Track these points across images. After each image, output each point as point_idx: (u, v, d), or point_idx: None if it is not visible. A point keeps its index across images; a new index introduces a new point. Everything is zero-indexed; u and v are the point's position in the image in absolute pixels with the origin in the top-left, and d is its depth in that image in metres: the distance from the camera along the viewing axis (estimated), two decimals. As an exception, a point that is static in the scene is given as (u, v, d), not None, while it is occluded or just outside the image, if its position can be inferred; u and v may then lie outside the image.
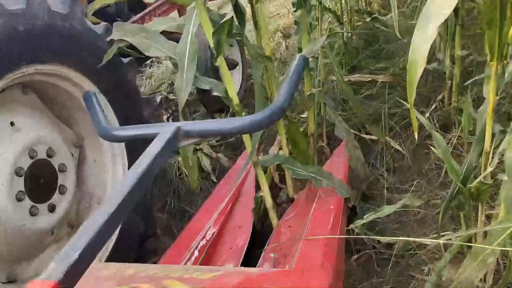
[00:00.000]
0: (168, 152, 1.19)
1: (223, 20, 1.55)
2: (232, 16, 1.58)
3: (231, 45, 3.73)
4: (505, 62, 1.39)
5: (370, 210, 2.49)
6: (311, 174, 1.93)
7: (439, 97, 2.96)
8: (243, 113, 1.77)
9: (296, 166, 1.91)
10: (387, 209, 1.88)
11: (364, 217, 1.87)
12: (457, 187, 1.75)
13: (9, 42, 1.48)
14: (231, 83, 1.70)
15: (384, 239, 2.07)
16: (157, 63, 4.89)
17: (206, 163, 3.01)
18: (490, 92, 1.43)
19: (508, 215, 1.36)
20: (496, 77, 1.39)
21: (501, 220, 1.39)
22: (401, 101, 2.74)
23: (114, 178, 2.08)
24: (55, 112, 1.94)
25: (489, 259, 1.31)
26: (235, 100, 1.73)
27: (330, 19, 4.24)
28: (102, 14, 3.16)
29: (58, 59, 1.67)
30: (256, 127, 1.23)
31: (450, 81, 2.90)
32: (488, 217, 1.87)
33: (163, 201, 2.71)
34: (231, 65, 3.66)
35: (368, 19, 3.76)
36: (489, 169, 1.60)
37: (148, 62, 4.55)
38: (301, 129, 2.68)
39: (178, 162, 2.93)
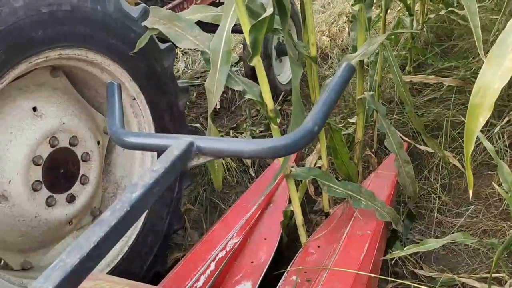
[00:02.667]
0: (174, 171, 1.05)
1: (262, 17, 1.36)
2: (273, 12, 1.38)
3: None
4: None
5: (416, 231, 2.27)
6: (349, 193, 1.72)
7: (514, 109, 2.60)
8: (278, 120, 1.59)
9: (332, 182, 1.71)
10: (433, 244, 1.65)
11: (405, 249, 1.66)
12: (520, 231, 1.48)
13: (30, 25, 1.38)
14: (267, 86, 1.52)
15: (426, 273, 1.84)
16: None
17: (246, 155, 2.86)
18: None
19: None
20: None
21: None
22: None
23: (141, 168, 1.99)
24: (87, 96, 1.86)
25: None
26: (270, 106, 1.55)
27: (399, 7, 3.88)
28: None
29: (85, 44, 1.56)
30: (276, 154, 1.05)
31: (529, 93, 2.53)
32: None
33: (196, 192, 2.61)
34: (285, 52, 3.45)
35: (443, 12, 3.37)
36: None
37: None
38: (348, 133, 2.47)
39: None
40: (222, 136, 3.11)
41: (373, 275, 1.57)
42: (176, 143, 1.09)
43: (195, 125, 3.25)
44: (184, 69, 4.59)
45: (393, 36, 3.61)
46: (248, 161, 2.83)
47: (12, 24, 1.34)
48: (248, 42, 1.43)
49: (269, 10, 1.36)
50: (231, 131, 3.12)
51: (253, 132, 3.13)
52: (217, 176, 1.76)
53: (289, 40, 1.59)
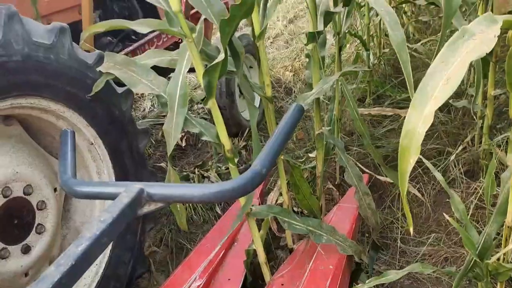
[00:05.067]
0: (124, 219, 1.04)
1: (214, 62, 1.40)
2: (226, 57, 1.41)
3: (251, 67, 3.58)
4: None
5: (381, 262, 2.29)
6: (310, 229, 1.74)
7: (468, 137, 2.70)
8: (236, 159, 1.61)
9: (292, 219, 1.72)
10: (394, 276, 1.66)
11: (366, 282, 1.67)
12: (473, 260, 1.52)
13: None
14: (222, 127, 1.54)
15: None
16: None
17: (212, 192, 2.85)
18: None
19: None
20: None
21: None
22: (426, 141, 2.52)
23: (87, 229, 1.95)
24: (43, 143, 1.84)
25: None
26: (227, 146, 1.56)
27: (357, 42, 4.03)
28: (117, 32, 3.08)
29: (38, 92, 1.56)
30: (224, 197, 1.07)
31: (481, 121, 2.64)
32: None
33: (161, 233, 2.58)
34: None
35: (397, 45, 3.52)
36: (510, 246, 1.38)
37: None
38: (311, 167, 2.51)
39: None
40: (187, 174, 3.10)
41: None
42: (126, 191, 1.10)
43: (160, 164, 3.24)
44: (150, 107, 4.60)
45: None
46: (214, 199, 2.82)
47: (-39, 76, 1.33)
48: (202, 85, 1.46)
49: (221, 56, 1.39)
50: (196, 169, 3.12)
51: (219, 169, 3.13)
52: (180, 217, 1.75)
53: (245, 82, 1.63)
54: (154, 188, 1.10)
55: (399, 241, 2.30)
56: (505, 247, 1.41)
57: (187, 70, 1.57)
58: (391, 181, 2.56)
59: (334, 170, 2.78)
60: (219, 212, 2.77)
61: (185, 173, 3.10)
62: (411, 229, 1.01)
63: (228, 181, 1.06)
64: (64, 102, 1.66)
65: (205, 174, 3.11)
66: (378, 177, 2.56)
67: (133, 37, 3.18)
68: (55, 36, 1.59)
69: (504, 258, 1.49)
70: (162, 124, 3.99)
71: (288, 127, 1.26)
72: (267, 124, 1.87)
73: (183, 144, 3.62)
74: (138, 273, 2.10)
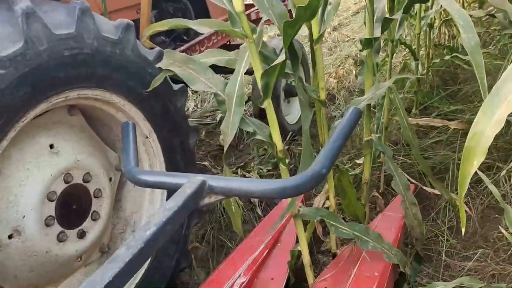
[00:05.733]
0: (187, 209, 1.08)
1: (274, 63, 1.43)
2: (286, 59, 1.44)
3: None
4: None
5: (423, 274, 2.25)
6: (356, 234, 1.74)
7: (521, 153, 2.62)
8: (287, 160, 1.63)
9: (339, 223, 1.73)
10: (442, 287, 1.64)
11: (412, 293, 1.65)
12: (528, 277, 1.48)
13: (53, 66, 1.45)
14: (276, 128, 1.57)
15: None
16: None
17: (253, 193, 2.88)
18: None
19: None
20: None
21: None
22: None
23: (151, 205, 2.02)
24: (101, 134, 1.92)
25: None
26: (279, 147, 1.59)
27: (405, 52, 3.98)
28: (169, 32, 3.18)
29: (102, 85, 1.63)
30: (286, 194, 1.08)
31: (535, 137, 2.56)
32: None
33: (203, 230, 2.62)
34: (293, 93, 3.53)
35: (447, 56, 3.47)
36: None
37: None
38: (355, 174, 2.49)
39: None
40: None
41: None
42: (189, 182, 1.13)
43: (203, 163, 3.30)
44: (194, 107, 4.69)
45: (399, 80, 3.69)
46: (255, 200, 2.85)
47: (36, 66, 1.41)
48: (259, 86, 1.49)
49: (281, 57, 1.42)
50: (239, 170, 3.16)
51: (260, 171, 3.16)
52: (235, 219, 1.79)
53: (300, 85, 1.65)
54: (215, 181, 1.12)
55: (443, 254, 2.26)
56: None
57: (245, 70, 1.60)
58: (437, 193, 2.52)
59: (378, 179, 2.75)
60: (260, 213, 2.80)
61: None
62: (463, 229, 1.00)
63: (290, 178, 1.08)
64: (125, 95, 1.73)
65: (247, 175, 3.14)
66: (425, 188, 2.52)
67: (184, 37, 3.27)
68: (121, 32, 1.66)
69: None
70: (205, 124, 4.07)
71: (346, 130, 1.27)
72: (318, 128, 1.88)
73: (226, 145, 3.67)
74: (181, 267, 2.14)
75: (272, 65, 1.42)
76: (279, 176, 1.78)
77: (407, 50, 3.74)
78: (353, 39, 6.02)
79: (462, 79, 3.71)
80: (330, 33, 6.63)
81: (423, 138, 3.12)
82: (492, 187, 1.67)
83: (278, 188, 1.06)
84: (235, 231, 2.66)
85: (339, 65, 4.99)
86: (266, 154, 3.40)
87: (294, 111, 3.72)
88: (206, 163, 3.28)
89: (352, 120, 1.34)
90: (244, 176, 3.08)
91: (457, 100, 3.46)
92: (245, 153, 3.63)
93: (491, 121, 0.85)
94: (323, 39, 5.44)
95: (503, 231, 1.53)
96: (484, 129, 0.86)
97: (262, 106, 1.54)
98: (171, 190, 1.16)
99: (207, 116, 4.34)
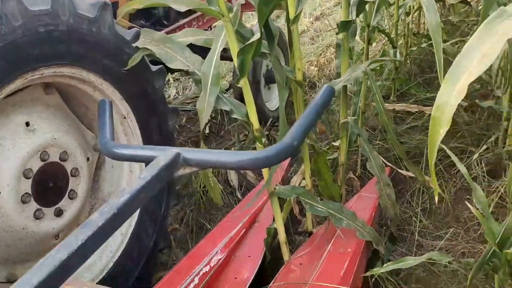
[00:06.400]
0: (161, 179, 1.10)
1: (250, 41, 1.45)
2: (261, 37, 1.46)
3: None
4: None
5: (397, 253, 2.32)
6: (331, 212, 1.78)
7: (492, 138, 2.70)
8: (263, 139, 1.66)
9: (314, 201, 1.77)
10: (412, 261, 1.70)
11: (384, 266, 1.70)
12: (492, 249, 1.54)
13: (27, 43, 1.44)
14: (253, 106, 1.60)
15: (405, 292, 1.88)
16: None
17: (233, 177, 2.92)
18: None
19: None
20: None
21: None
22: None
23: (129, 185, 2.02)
24: (78, 113, 1.92)
25: None
26: (256, 125, 1.62)
27: (384, 40, 4.04)
28: (149, 16, 3.16)
29: (79, 63, 1.63)
30: (259, 165, 1.11)
31: (506, 122, 2.64)
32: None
33: (183, 213, 2.64)
34: (274, 79, 3.56)
35: (424, 44, 3.53)
36: (531, 237, 1.40)
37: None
38: (333, 158, 2.54)
39: (204, 173, 2.86)
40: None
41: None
42: (163, 154, 1.15)
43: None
44: (175, 94, 4.68)
45: (378, 67, 3.75)
46: (235, 183, 2.88)
47: (11, 42, 1.41)
48: (236, 64, 1.51)
49: (257, 35, 1.44)
50: (219, 155, 3.17)
51: (241, 156, 3.18)
52: (214, 192, 1.82)
53: (277, 65, 1.68)
54: (190, 153, 1.15)
55: (416, 234, 2.32)
56: (525, 238, 1.43)
57: (221, 49, 1.62)
58: (412, 176, 2.59)
59: (355, 163, 2.81)
60: (239, 196, 2.83)
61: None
62: (437, 198, 1.04)
63: (262, 149, 1.11)
64: (101, 74, 1.73)
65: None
66: (400, 171, 2.58)
67: (165, 22, 3.26)
68: (97, 10, 1.66)
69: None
70: (186, 110, 4.07)
71: (318, 106, 1.29)
72: (295, 108, 1.91)
73: (207, 131, 3.69)
74: (160, 247, 2.16)
75: (247, 43, 1.44)
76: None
77: (386, 39, 3.80)
78: (335, 28, 6.06)
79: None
80: (313, 23, 6.66)
81: (399, 123, 3.18)
82: (462, 167, 1.72)
83: (250, 159, 1.08)
84: (214, 214, 2.70)
85: (320, 54, 5.03)
86: (246, 140, 3.42)
87: (274, 98, 3.75)
88: (186, 148, 3.29)
89: (325, 97, 1.37)
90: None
91: (433, 87, 3.53)
92: (225, 139, 3.65)
93: (454, 91, 0.89)
94: (306, 28, 5.43)
95: (472, 209, 1.59)
96: (448, 99, 0.90)
97: (238, 85, 1.56)
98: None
99: (188, 103, 4.34)
